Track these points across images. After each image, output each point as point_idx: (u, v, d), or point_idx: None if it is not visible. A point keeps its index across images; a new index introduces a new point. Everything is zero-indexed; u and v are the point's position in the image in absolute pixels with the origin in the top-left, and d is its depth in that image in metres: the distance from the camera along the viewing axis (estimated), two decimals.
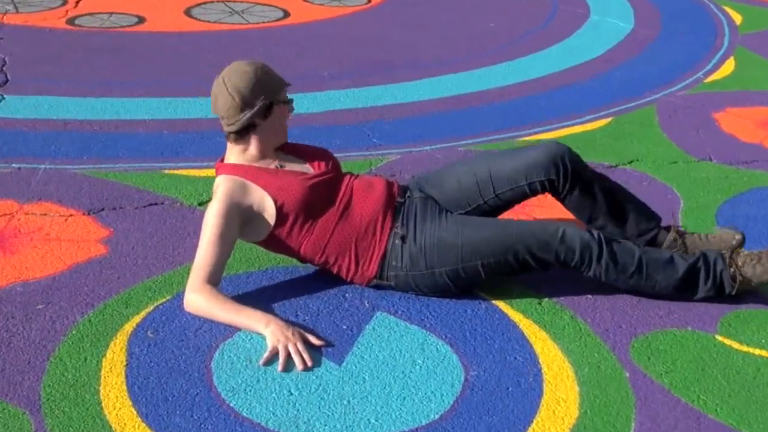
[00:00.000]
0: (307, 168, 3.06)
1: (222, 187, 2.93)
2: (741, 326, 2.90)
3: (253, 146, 3.01)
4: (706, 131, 4.61)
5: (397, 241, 2.95)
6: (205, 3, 6.85)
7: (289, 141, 3.14)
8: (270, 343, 2.66)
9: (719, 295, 2.98)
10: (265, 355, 2.64)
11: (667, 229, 3.18)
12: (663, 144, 4.41)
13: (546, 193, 3.12)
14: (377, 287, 3.03)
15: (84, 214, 3.47)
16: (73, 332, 2.73)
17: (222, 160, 3.08)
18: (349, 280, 3.03)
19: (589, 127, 4.61)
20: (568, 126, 4.60)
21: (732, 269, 2.95)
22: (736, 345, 2.81)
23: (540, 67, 5.58)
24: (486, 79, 5.30)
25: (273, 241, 3.00)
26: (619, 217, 3.14)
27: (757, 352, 2.78)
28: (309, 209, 2.94)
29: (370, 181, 3.10)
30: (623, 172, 4.00)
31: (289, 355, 2.62)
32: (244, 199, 2.91)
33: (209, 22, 6.36)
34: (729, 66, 5.73)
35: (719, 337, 2.84)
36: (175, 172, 3.88)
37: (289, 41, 5.92)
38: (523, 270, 2.97)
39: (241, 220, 2.90)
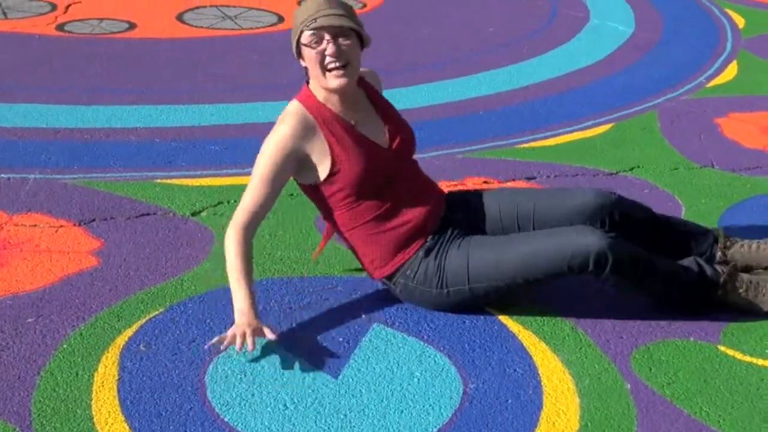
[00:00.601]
0: (383, 140, 2.96)
1: (288, 120, 2.86)
2: (744, 336, 2.90)
3: (314, 87, 2.92)
4: (708, 137, 4.62)
5: (421, 253, 2.93)
6: (197, 8, 6.86)
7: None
8: (229, 332, 2.66)
9: (708, 291, 2.98)
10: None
11: (716, 243, 3.18)
12: (664, 150, 4.42)
13: None
14: (378, 289, 3.04)
15: (75, 225, 3.48)
16: (64, 346, 2.74)
17: (308, 83, 2.97)
18: (360, 263, 3.03)
19: (589, 133, 4.62)
20: (568, 132, 4.61)
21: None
22: (739, 355, 2.81)
23: (539, 72, 5.59)
24: (485, 85, 5.32)
25: (311, 191, 2.98)
26: (672, 250, 3.11)
27: (761, 362, 2.78)
28: (361, 187, 2.88)
29: (426, 185, 3.07)
30: (624, 179, 4.02)
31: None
32: (304, 141, 2.85)
33: (202, 27, 6.37)
34: (732, 70, 5.74)
35: (722, 348, 2.84)
36: (168, 181, 3.89)
37: (284, 47, 5.88)
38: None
39: (296, 158, 2.85)
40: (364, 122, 2.95)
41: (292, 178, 2.96)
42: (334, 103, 2.90)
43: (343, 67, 2.81)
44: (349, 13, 2.84)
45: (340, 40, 2.80)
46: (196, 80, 5.25)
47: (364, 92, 3.04)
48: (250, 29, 6.38)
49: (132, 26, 6.31)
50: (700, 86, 5.42)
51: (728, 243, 3.17)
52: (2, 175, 3.88)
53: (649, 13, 7.15)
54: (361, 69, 3.01)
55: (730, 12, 7.20)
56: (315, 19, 2.78)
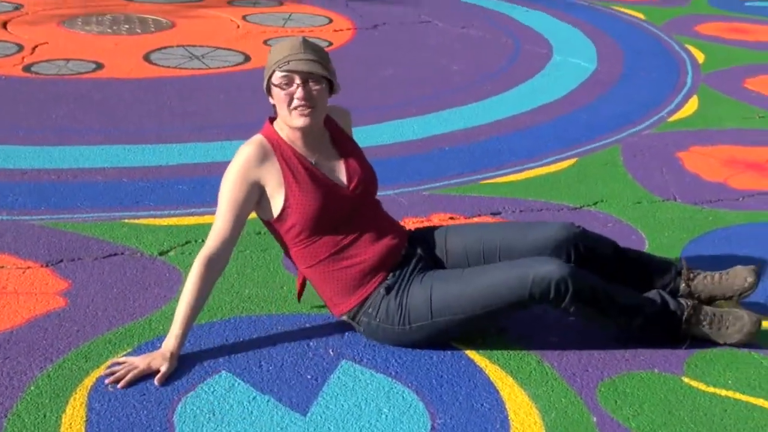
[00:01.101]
0: (342, 180, 2.98)
1: (248, 146, 2.91)
2: (707, 367, 2.93)
3: (279, 125, 2.96)
4: (670, 171, 4.67)
5: (381, 291, 2.94)
6: (164, 48, 6.87)
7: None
8: (161, 367, 2.76)
9: (672, 322, 3.00)
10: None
11: (680, 275, 3.21)
12: (627, 184, 4.47)
13: None
14: (345, 325, 3.05)
15: (42, 266, 3.46)
16: (32, 388, 2.72)
17: (273, 120, 3.02)
18: (324, 302, 3.05)
19: (553, 168, 4.66)
20: (532, 168, 4.65)
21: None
22: (702, 386, 2.84)
23: (504, 108, 5.63)
24: (450, 122, 5.35)
25: (270, 228, 3.01)
26: (637, 283, 3.14)
27: (723, 392, 2.81)
28: (315, 224, 2.90)
29: (387, 223, 3.08)
30: (588, 214, 4.05)
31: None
32: (262, 171, 2.89)
33: (169, 67, 6.38)
34: (692, 104, 5.82)
35: (686, 379, 2.87)
36: (135, 221, 3.88)
37: (251, 85, 5.93)
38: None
39: (256, 189, 2.89)
40: (324, 161, 2.98)
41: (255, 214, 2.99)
42: (295, 141, 2.94)
43: (308, 108, 2.85)
44: (322, 59, 2.88)
45: (311, 83, 2.85)
46: (163, 120, 5.26)
47: (329, 132, 3.06)
48: (217, 68, 6.40)
49: (99, 66, 6.31)
50: (661, 121, 5.49)
51: (691, 275, 3.21)
52: None
53: (611, 49, 7.24)
54: (333, 105, 3.07)
55: (690, 47, 7.31)
56: (288, 61, 2.82)
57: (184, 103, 5.56)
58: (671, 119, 5.52)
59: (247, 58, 6.68)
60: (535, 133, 5.19)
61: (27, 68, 6.21)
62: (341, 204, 2.95)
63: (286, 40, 2.92)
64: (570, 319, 3.05)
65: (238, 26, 7.69)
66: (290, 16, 8.16)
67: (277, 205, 2.91)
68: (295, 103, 2.84)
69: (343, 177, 2.99)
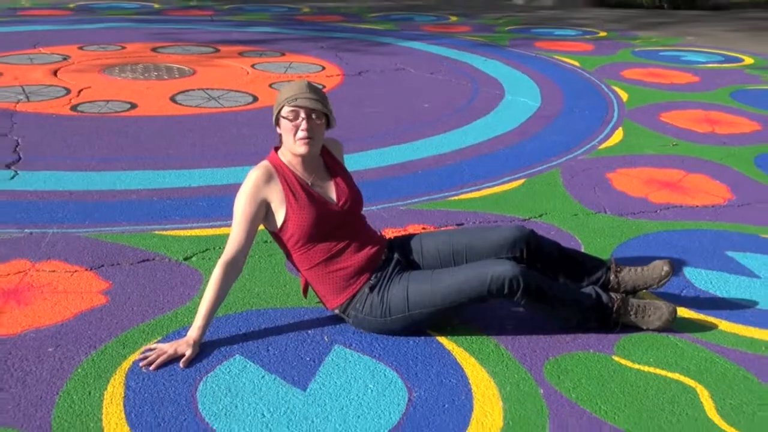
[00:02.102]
0: (332, 198, 2.99)
1: (256, 170, 2.92)
2: (633, 348, 2.95)
3: (283, 152, 2.97)
4: (601, 189, 4.69)
5: (366, 289, 2.95)
6: (187, 91, 6.87)
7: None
8: (188, 353, 2.78)
9: (602, 311, 3.02)
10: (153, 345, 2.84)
11: (610, 270, 3.23)
12: (566, 200, 4.49)
13: None
14: (337, 317, 3.05)
15: (87, 269, 3.45)
16: (79, 370, 2.71)
17: (278, 149, 3.01)
18: (319, 299, 3.05)
19: (506, 187, 4.67)
20: (489, 187, 4.66)
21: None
22: (629, 364, 2.85)
23: (466, 139, 5.64)
24: (422, 150, 5.36)
25: (274, 238, 3.02)
26: (576, 276, 3.18)
27: (646, 368, 2.83)
28: (310, 234, 2.91)
29: (369, 234, 3.08)
30: (534, 224, 4.06)
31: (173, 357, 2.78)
32: (268, 190, 2.89)
33: (191, 106, 6.38)
34: (618, 135, 5.84)
35: (616, 358, 2.89)
36: (164, 232, 3.87)
37: (258, 122, 5.96)
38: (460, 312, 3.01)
39: (263, 204, 2.90)
40: (318, 183, 3.00)
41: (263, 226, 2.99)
42: (295, 166, 2.96)
43: (309, 138, 2.86)
44: (323, 99, 2.92)
45: (313, 118, 2.87)
46: (186, 150, 5.25)
47: (323, 160, 3.08)
48: (230, 107, 6.40)
49: (133, 106, 6.30)
50: (593, 148, 5.50)
51: (618, 269, 3.23)
52: (26, 230, 3.84)
53: (552, 89, 7.28)
54: (328, 138, 3.10)
55: (616, 88, 7.36)
56: (296, 98, 2.85)
57: (203, 136, 5.55)
58: (601, 147, 5.54)
59: (255, 99, 6.69)
60: (492, 158, 5.21)
61: (74, 108, 6.20)
62: (332, 218, 2.95)
63: (295, 82, 2.94)
64: (521, 311, 3.07)
65: (248, 73, 7.70)
66: (290, 64, 8.17)
67: (279, 218, 2.92)
68: (300, 134, 2.86)
69: (333, 196, 3.00)
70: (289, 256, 3.03)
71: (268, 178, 2.91)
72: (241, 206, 2.89)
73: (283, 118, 2.88)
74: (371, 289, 2.95)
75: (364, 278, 2.96)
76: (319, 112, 2.88)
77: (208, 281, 2.88)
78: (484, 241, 3.12)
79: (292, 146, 2.90)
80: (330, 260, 2.95)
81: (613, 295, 3.07)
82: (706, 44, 10.20)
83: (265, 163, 2.96)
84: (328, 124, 2.97)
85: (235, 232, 2.90)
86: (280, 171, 2.93)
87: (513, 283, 2.84)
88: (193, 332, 2.83)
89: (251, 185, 2.90)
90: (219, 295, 2.85)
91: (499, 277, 2.84)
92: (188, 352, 2.78)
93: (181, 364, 2.75)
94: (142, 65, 7.87)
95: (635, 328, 3.05)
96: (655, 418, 2.55)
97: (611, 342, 2.98)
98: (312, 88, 2.90)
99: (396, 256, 3.06)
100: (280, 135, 2.94)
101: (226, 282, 2.87)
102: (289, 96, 2.86)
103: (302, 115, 2.86)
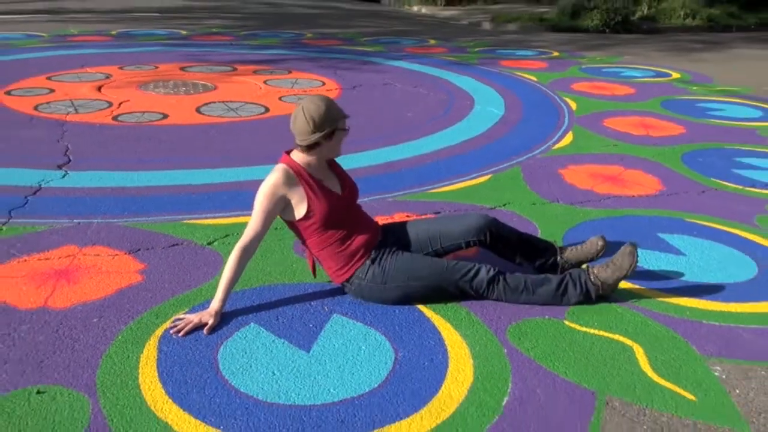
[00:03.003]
0: (339, 190, 3.00)
1: (278, 172, 2.89)
2: (581, 314, 2.95)
3: (313, 158, 2.94)
4: (554, 182, 4.67)
5: (368, 262, 2.95)
6: (210, 103, 6.82)
7: None
8: (211, 322, 2.76)
9: (587, 299, 2.99)
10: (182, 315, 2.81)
11: (556, 252, 3.22)
12: (525, 192, 4.47)
13: (477, 247, 3.18)
14: (336, 291, 3.03)
15: (126, 253, 3.42)
16: (119, 337, 2.69)
17: (289, 153, 2.99)
18: (329, 274, 3.02)
19: (475, 182, 4.65)
20: (461, 182, 4.64)
21: (592, 276, 3.00)
22: (578, 327, 2.85)
23: (442, 141, 5.61)
24: (406, 151, 5.34)
25: (292, 226, 2.98)
26: (530, 257, 3.19)
27: (592, 331, 2.83)
28: (327, 221, 2.90)
29: (368, 219, 3.10)
30: (499, 212, 4.05)
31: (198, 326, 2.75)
32: (288, 189, 2.87)
33: (213, 116, 6.33)
34: (569, 138, 5.82)
35: (567, 322, 2.89)
36: (191, 222, 3.84)
37: (269, 129, 5.92)
38: (447, 293, 2.98)
39: (283, 201, 2.88)
40: (327, 179, 3.00)
41: (279, 216, 2.96)
42: (310, 166, 2.95)
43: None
44: None
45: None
46: (209, 153, 5.21)
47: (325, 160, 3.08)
48: (246, 117, 6.35)
49: (165, 116, 6.25)
50: (548, 149, 5.49)
51: (561, 250, 3.23)
52: (75, 221, 3.81)
53: (514, 100, 7.26)
54: None
55: (567, 99, 7.35)
56: (345, 117, 2.92)
57: (223, 141, 5.52)
58: (555, 147, 5.53)
59: (267, 110, 6.64)
60: (464, 158, 5.19)
61: (115, 118, 6.14)
62: (341, 206, 2.96)
63: (327, 99, 2.92)
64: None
65: (261, 88, 7.64)
66: (296, 80, 8.11)
67: (301, 211, 2.90)
68: (341, 144, 2.95)
69: (338, 188, 3.00)
70: (304, 240, 3.00)
71: (288, 180, 2.88)
72: (261, 201, 2.87)
73: (341, 130, 2.92)
74: (373, 261, 2.95)
75: (367, 254, 2.97)
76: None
77: (227, 262, 2.86)
78: (455, 226, 3.13)
79: (336, 152, 2.97)
80: (341, 241, 2.94)
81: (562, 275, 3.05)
82: (640, 62, 10.19)
83: (283, 167, 2.92)
84: None
85: (253, 222, 2.87)
86: (297, 172, 2.91)
87: (493, 271, 2.95)
88: (215, 304, 2.81)
89: (271, 185, 2.87)
90: (236, 273, 2.83)
91: (480, 275, 2.94)
92: (211, 321, 2.76)
93: (205, 331, 2.73)
94: (172, 82, 7.80)
95: (582, 302, 3.00)
96: (599, 371, 2.55)
97: (563, 309, 2.97)
98: None
99: (391, 238, 3.09)
100: (318, 142, 2.89)
101: (242, 262, 2.85)
102: (341, 115, 2.90)
103: (346, 130, 2.94)
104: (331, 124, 2.88)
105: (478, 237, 3.09)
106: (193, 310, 2.89)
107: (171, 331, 2.73)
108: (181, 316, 2.82)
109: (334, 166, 3.10)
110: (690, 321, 2.92)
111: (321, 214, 2.89)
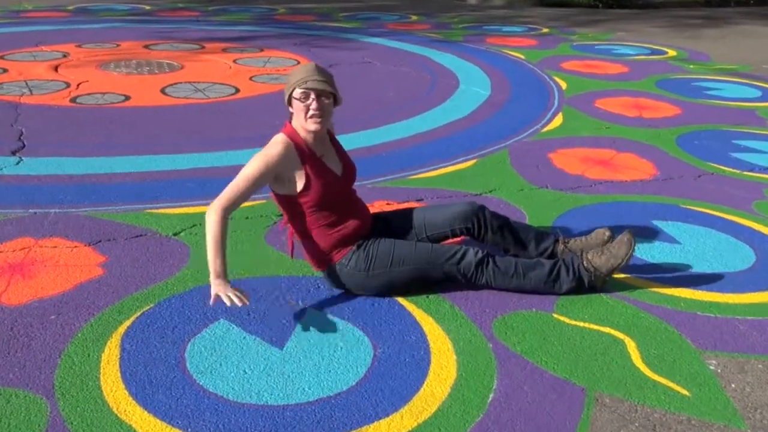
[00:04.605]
0: (339, 170, 2.98)
1: (278, 145, 2.84)
2: (571, 306, 2.97)
3: (302, 130, 2.88)
4: (543, 167, 4.70)
5: (354, 247, 2.95)
6: (176, 84, 6.77)
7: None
8: (212, 293, 2.62)
9: (580, 287, 3.00)
10: (210, 301, 2.63)
11: (557, 242, 3.23)
12: (513, 177, 4.49)
13: (465, 236, 3.19)
14: (318, 280, 3.04)
15: (85, 245, 3.40)
16: (79, 335, 2.67)
17: (290, 121, 2.94)
18: (310, 259, 3.01)
19: (461, 166, 4.66)
20: (446, 166, 4.65)
21: (585, 262, 3.02)
22: (567, 320, 2.87)
23: (425, 124, 5.62)
24: (387, 134, 5.33)
25: (283, 201, 2.94)
26: (523, 245, 3.20)
27: (582, 324, 2.85)
28: (322, 201, 2.89)
29: (361, 205, 3.09)
30: (486, 199, 4.07)
31: (230, 300, 2.59)
32: (286, 162, 2.83)
33: (179, 98, 6.28)
34: (558, 120, 5.85)
35: (555, 315, 2.91)
36: (155, 211, 3.81)
37: (241, 111, 5.89)
38: (434, 279, 2.99)
39: (275, 174, 2.84)
40: (327, 156, 2.99)
41: (270, 187, 2.93)
42: (308, 140, 2.91)
43: (320, 117, 2.84)
44: (330, 80, 2.89)
45: (322, 98, 2.85)
46: (175, 136, 5.18)
47: (329, 136, 3.07)
48: (214, 98, 6.31)
49: (127, 98, 6.19)
50: (537, 131, 5.51)
51: (565, 240, 3.24)
52: (30, 210, 3.77)
53: (501, 80, 7.28)
54: None
55: (557, 78, 7.37)
56: (306, 81, 2.81)
57: (190, 124, 5.48)
58: (544, 130, 5.55)
59: (237, 90, 6.60)
60: (448, 141, 5.20)
61: (73, 99, 6.08)
62: (339, 186, 2.96)
63: (304, 65, 2.90)
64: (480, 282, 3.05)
65: (230, 67, 7.59)
66: (269, 59, 8.07)
67: (299, 186, 2.86)
68: (311, 112, 2.84)
69: (339, 168, 3.00)
70: (295, 217, 2.95)
71: (289, 155, 2.84)
72: (252, 168, 2.79)
73: (295, 99, 2.85)
74: (358, 247, 2.96)
75: (355, 242, 2.97)
76: (328, 92, 2.86)
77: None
78: (440, 215, 3.15)
79: (304, 124, 2.86)
80: (333, 223, 2.94)
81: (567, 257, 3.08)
82: (634, 39, 10.25)
83: (285, 139, 2.87)
84: (336, 102, 2.94)
85: (240, 183, 2.77)
86: (299, 146, 2.88)
87: (481, 254, 2.97)
88: (217, 268, 2.66)
89: (271, 156, 2.81)
90: (222, 232, 2.70)
91: (469, 257, 2.94)
92: (223, 290, 2.62)
93: (225, 300, 2.58)
94: (135, 61, 7.73)
95: (573, 292, 3.03)
96: (589, 366, 2.58)
97: (552, 301, 2.99)
98: (320, 70, 2.88)
99: (380, 226, 3.11)
100: (292, 114, 2.90)
101: (223, 220, 2.72)
102: (299, 78, 2.83)
103: (312, 96, 2.83)
104: (288, 90, 2.87)
105: (464, 225, 3.11)
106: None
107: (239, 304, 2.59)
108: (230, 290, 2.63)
109: (336, 144, 3.10)
110: (684, 313, 2.95)
111: (317, 193, 2.88)
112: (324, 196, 2.89)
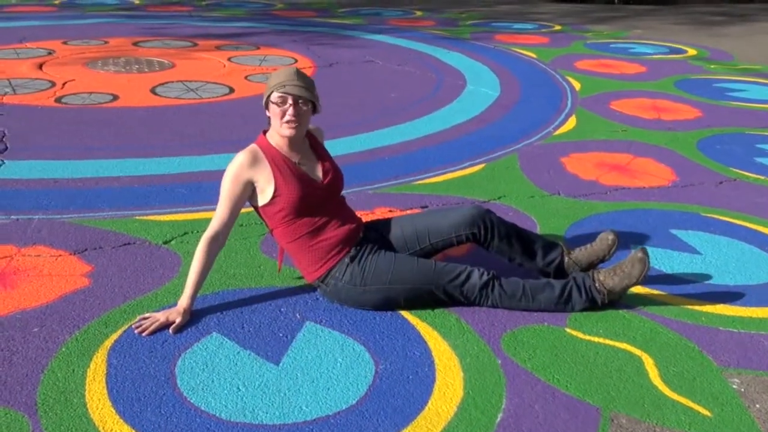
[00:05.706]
0: (318, 177, 3.01)
1: (243, 153, 2.94)
2: (585, 321, 2.96)
3: (278, 136, 2.96)
4: (555, 172, 4.70)
5: (347, 260, 2.95)
6: (167, 83, 6.79)
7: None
8: (178, 323, 2.81)
9: (594, 306, 3.00)
10: (171, 330, 2.80)
11: (563, 253, 3.21)
12: (523, 183, 4.49)
13: (470, 243, 3.17)
14: (309, 295, 3.04)
15: (71, 254, 3.40)
16: (63, 349, 2.67)
17: (266, 132, 3.04)
18: (300, 270, 3.04)
19: (467, 171, 4.67)
20: (452, 171, 4.65)
21: (597, 283, 3.00)
22: (580, 335, 2.87)
23: (430, 126, 5.63)
24: (389, 137, 5.35)
25: (260, 211, 3.01)
26: (531, 255, 3.18)
27: (596, 339, 2.84)
28: (296, 209, 2.92)
29: (349, 213, 3.10)
30: (494, 206, 4.06)
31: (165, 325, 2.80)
32: (253, 169, 2.91)
33: (170, 98, 6.30)
34: (572, 122, 5.86)
35: (568, 330, 2.90)
36: (144, 218, 3.82)
37: (235, 112, 5.90)
38: (434, 299, 2.98)
39: (248, 183, 2.91)
40: (304, 162, 3.01)
41: (249, 203, 2.99)
42: (282, 146, 2.97)
43: (295, 123, 2.88)
44: (310, 86, 2.93)
45: (300, 104, 2.89)
46: (166, 138, 5.19)
47: (309, 142, 3.10)
48: (208, 98, 6.33)
49: (115, 98, 6.21)
50: (548, 134, 5.52)
51: (569, 251, 3.23)
52: (12, 217, 3.78)
53: (510, 80, 7.29)
54: (311, 126, 3.10)
55: (570, 78, 7.39)
56: (284, 85, 2.87)
57: (182, 126, 5.49)
58: (556, 133, 5.56)
59: (232, 90, 6.62)
60: (454, 144, 5.21)
61: (58, 99, 6.10)
62: (317, 194, 2.97)
63: (284, 69, 2.95)
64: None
65: (224, 65, 7.62)
66: (265, 57, 8.09)
67: (268, 194, 2.93)
68: (287, 118, 2.89)
69: (319, 174, 3.03)
70: (273, 230, 3.02)
71: (254, 161, 2.92)
72: (226, 185, 2.92)
73: (272, 103, 2.90)
74: (351, 259, 2.95)
75: (344, 251, 2.97)
76: (306, 98, 2.90)
77: (187, 264, 2.86)
78: (443, 220, 3.14)
79: (279, 129, 2.93)
80: (313, 233, 2.96)
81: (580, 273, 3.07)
82: (652, 37, 10.26)
83: (252, 147, 2.97)
84: (314, 110, 2.98)
85: (221, 209, 2.92)
86: (267, 152, 2.95)
87: (487, 276, 2.97)
88: (184, 301, 2.86)
89: (236, 167, 2.92)
90: (205, 266, 2.88)
91: (474, 276, 2.95)
92: (178, 320, 2.80)
93: (171, 330, 2.77)
94: (123, 59, 7.76)
95: (588, 309, 3.01)
96: (604, 384, 2.57)
97: (564, 315, 2.99)
98: (300, 75, 2.92)
99: (373, 235, 3.10)
100: (269, 118, 2.97)
101: (209, 255, 2.88)
102: (278, 82, 2.88)
103: (289, 101, 2.88)
104: (266, 93, 2.93)
105: (470, 230, 3.10)
106: None
107: (135, 330, 2.75)
108: (147, 315, 2.84)
109: (318, 151, 3.11)
110: (705, 328, 2.95)
111: (289, 201, 2.91)
112: (297, 203, 2.92)
